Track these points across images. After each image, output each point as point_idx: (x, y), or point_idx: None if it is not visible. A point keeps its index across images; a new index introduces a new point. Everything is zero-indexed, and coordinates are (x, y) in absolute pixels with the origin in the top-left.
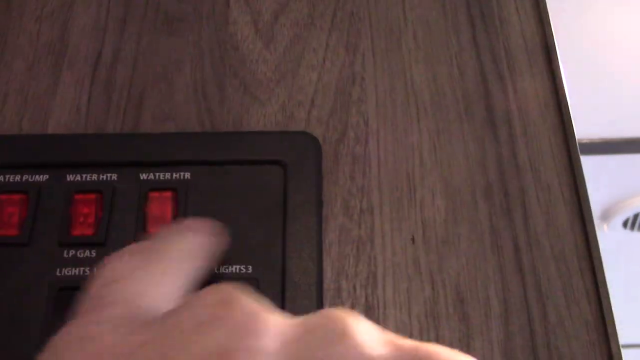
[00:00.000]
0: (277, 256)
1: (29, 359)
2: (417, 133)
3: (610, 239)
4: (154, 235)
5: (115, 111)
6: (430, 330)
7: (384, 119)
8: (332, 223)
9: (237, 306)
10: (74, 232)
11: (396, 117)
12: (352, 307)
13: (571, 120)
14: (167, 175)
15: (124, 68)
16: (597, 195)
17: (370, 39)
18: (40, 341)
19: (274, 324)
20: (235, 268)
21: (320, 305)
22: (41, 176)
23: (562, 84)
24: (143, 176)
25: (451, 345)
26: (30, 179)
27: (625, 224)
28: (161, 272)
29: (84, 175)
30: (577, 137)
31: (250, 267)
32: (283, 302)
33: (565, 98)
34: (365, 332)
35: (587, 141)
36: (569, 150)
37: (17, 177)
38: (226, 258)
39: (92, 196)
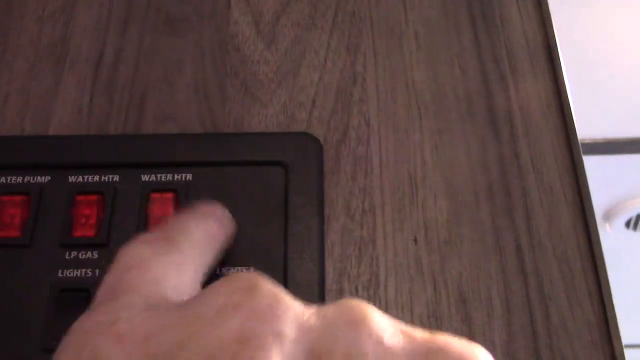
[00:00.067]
0: (278, 257)
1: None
2: (418, 133)
3: (613, 240)
4: (168, 223)
5: (117, 112)
6: (432, 331)
7: (385, 119)
8: (334, 224)
9: (258, 293)
10: (76, 233)
11: (397, 117)
12: None
13: (573, 121)
14: (169, 176)
15: (125, 69)
16: (600, 196)
17: (372, 39)
18: (42, 342)
19: (294, 312)
20: (237, 269)
21: None
22: (43, 177)
23: (564, 84)
24: (144, 177)
25: None
26: (31, 180)
27: (627, 224)
28: (178, 261)
29: (85, 177)
30: (579, 137)
31: (251, 269)
32: None
33: (568, 98)
34: (381, 322)
35: (590, 141)
36: (571, 151)
37: (19, 179)
38: (227, 259)
39: (94, 197)
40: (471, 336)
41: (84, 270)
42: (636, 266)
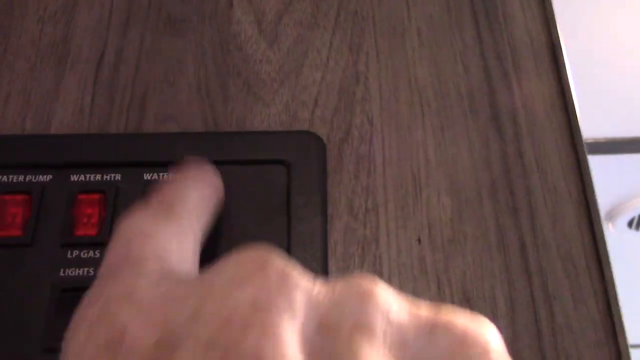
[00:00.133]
0: None
1: (31, 359)
2: (421, 131)
3: (615, 240)
4: (163, 191)
5: (118, 112)
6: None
7: (388, 118)
8: (337, 223)
9: (270, 266)
10: (77, 233)
11: (400, 115)
12: None
13: (577, 119)
14: None
15: (126, 69)
16: (602, 196)
17: (374, 38)
18: (43, 342)
19: (304, 285)
20: None
21: None
22: (44, 176)
23: (568, 83)
24: (147, 176)
25: None
26: (33, 179)
27: (630, 224)
28: (178, 230)
29: (87, 176)
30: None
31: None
32: None
33: (572, 97)
34: (388, 296)
35: (592, 141)
36: (575, 150)
37: (20, 178)
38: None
39: (96, 196)
40: None
41: (85, 269)
42: (638, 266)
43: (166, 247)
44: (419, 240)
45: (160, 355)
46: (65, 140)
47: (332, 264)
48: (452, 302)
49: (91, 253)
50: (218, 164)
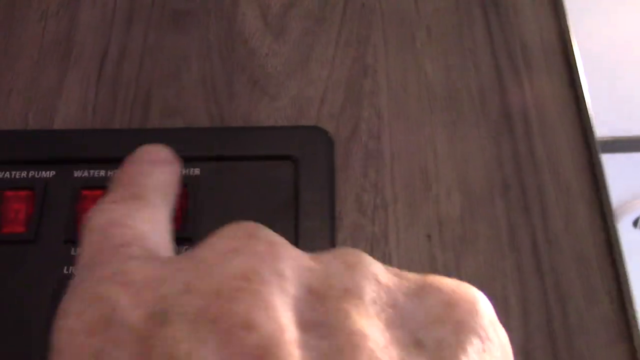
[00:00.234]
0: None
1: (33, 356)
2: (431, 126)
3: (621, 238)
4: (124, 178)
5: (122, 107)
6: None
7: (396, 112)
8: (345, 220)
9: (258, 238)
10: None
11: (409, 108)
12: None
13: (590, 118)
14: None
15: (130, 64)
16: None
17: (382, 31)
18: (46, 338)
19: (293, 255)
20: None
21: None
22: (48, 172)
23: (580, 81)
24: None
25: None
26: (36, 175)
27: (635, 224)
28: (151, 213)
29: (91, 171)
30: None
31: None
32: None
33: (584, 95)
34: (375, 264)
35: (598, 139)
36: (588, 148)
37: (24, 173)
38: None
39: (100, 192)
40: None
41: None
42: None
43: (144, 232)
44: (429, 237)
45: (152, 328)
46: (68, 136)
47: None
48: None
49: None
50: (224, 159)
